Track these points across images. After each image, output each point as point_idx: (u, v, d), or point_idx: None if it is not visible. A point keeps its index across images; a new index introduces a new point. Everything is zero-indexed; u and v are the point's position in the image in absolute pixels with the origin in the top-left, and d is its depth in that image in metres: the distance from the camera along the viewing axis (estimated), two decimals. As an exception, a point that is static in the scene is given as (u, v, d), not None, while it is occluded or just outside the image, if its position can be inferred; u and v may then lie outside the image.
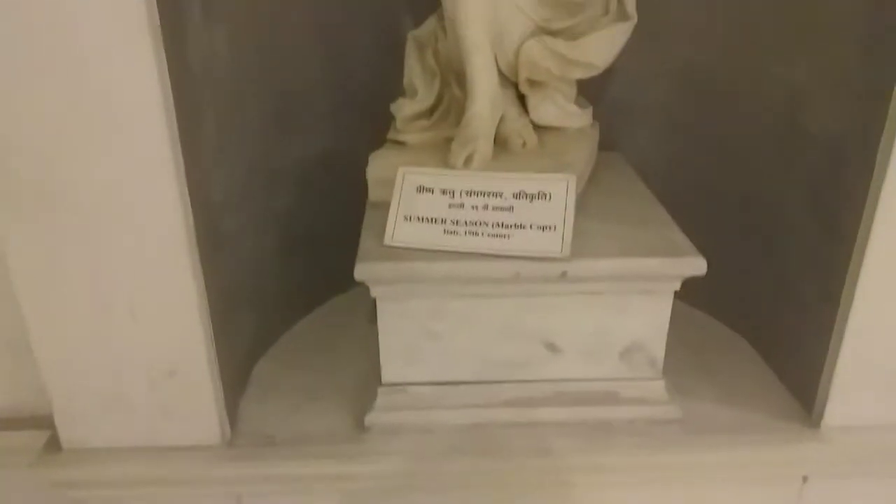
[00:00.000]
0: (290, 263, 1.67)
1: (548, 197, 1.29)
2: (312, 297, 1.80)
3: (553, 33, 1.46)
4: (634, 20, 1.46)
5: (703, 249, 1.28)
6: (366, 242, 1.29)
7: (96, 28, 1.02)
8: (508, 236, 1.27)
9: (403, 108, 1.50)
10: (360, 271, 1.24)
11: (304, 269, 1.71)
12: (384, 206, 1.33)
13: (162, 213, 1.15)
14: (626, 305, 1.32)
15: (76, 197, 1.13)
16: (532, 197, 1.29)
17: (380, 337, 1.34)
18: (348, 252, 1.26)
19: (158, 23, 1.04)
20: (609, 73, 1.54)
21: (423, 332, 1.34)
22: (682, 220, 1.38)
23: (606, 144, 1.68)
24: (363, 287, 1.27)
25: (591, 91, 1.63)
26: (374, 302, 1.31)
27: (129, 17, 1.01)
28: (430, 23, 1.52)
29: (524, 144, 1.47)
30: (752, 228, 1.60)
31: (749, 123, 1.57)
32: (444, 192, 1.32)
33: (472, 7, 1.32)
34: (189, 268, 1.19)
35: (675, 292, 1.32)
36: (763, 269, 1.58)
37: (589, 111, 1.60)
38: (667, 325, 1.35)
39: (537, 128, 1.53)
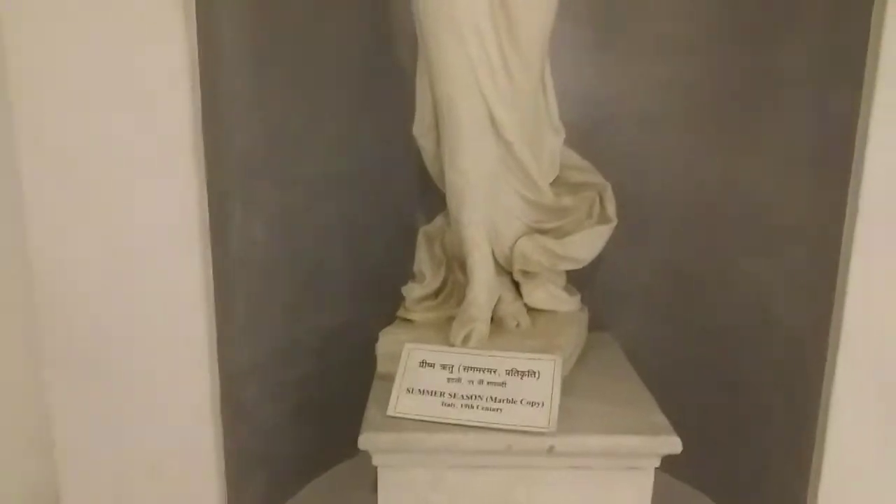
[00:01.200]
0: (303, 429, 1.80)
1: (537, 375, 1.43)
2: (322, 461, 1.90)
3: (543, 232, 1.69)
4: (614, 223, 1.68)
5: (686, 426, 1.39)
6: (370, 412, 1.43)
7: (156, 228, 1.25)
8: (500, 410, 1.40)
9: (413, 291, 1.70)
10: (364, 441, 1.37)
11: (315, 435, 1.83)
12: (390, 378, 1.48)
13: (191, 384, 1.31)
14: (610, 480, 1.42)
15: (118, 365, 1.30)
16: (523, 374, 1.44)
17: (380, 506, 1.43)
18: (357, 420, 1.39)
19: (208, 226, 1.28)
20: (600, 263, 1.74)
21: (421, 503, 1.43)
22: (667, 398, 1.50)
23: (598, 325, 1.85)
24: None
25: (581, 278, 1.83)
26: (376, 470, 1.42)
27: (184, 221, 1.25)
28: (439, 220, 1.76)
29: (518, 325, 1.64)
30: (731, 408, 1.71)
31: (725, 312, 1.74)
32: (443, 366, 1.47)
33: (472, 212, 1.55)
34: (212, 435, 1.33)
35: (665, 466, 1.41)
36: (742, 447, 1.67)
37: (577, 297, 1.78)
38: (649, 500, 1.42)
39: (530, 310, 1.70)
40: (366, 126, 1.86)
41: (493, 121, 1.50)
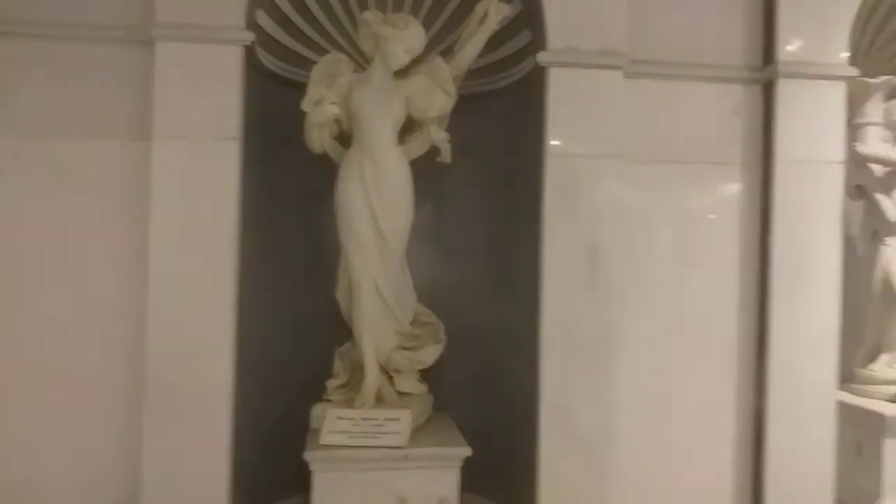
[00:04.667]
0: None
1: (398, 418, 2.80)
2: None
3: (406, 348, 3.12)
4: (444, 343, 3.14)
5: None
6: (309, 443, 2.72)
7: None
8: (380, 436, 2.75)
9: (332, 383, 3.06)
10: (307, 455, 2.66)
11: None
12: (319, 432, 2.78)
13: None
14: (435, 473, 2.74)
15: None
16: (391, 420, 2.81)
17: None
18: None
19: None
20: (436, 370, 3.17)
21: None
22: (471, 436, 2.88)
23: (442, 408, 3.24)
24: None
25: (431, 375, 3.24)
26: None
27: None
28: (348, 344, 3.15)
29: (390, 399, 3.01)
30: (508, 442, 3.13)
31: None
32: (350, 418, 2.82)
33: (366, 339, 2.96)
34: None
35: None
36: (509, 467, 3.08)
37: (425, 387, 3.18)
38: (456, 484, 2.76)
39: (399, 393, 3.09)
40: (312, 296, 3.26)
41: (377, 289, 2.96)
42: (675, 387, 3.06)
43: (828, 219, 2.99)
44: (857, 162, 3.38)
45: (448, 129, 2.98)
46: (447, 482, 2.78)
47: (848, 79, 3.01)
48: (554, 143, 2.81)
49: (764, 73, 3.01)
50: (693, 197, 3.07)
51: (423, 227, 3.37)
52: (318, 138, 2.81)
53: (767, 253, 2.98)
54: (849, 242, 3.52)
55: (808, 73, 2.97)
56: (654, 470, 3.05)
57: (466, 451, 2.77)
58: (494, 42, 3.00)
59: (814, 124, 2.97)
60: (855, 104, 3.41)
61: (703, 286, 3.07)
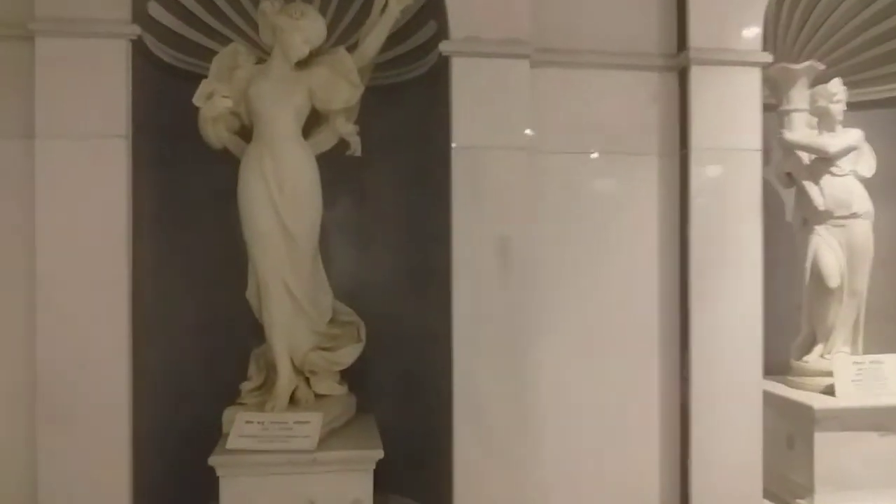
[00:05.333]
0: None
1: (308, 422, 2.73)
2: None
3: (324, 349, 3.05)
4: (363, 343, 3.07)
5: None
6: (217, 449, 2.64)
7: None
8: (289, 440, 2.67)
9: (246, 386, 2.98)
10: (213, 460, 2.58)
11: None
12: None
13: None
14: (347, 476, 2.67)
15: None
16: (301, 422, 2.73)
17: None
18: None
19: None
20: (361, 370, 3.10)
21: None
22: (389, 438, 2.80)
23: (367, 409, 3.17)
24: None
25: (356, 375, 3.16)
26: None
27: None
28: (263, 345, 3.08)
29: (306, 401, 2.94)
30: (430, 442, 3.06)
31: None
32: (259, 422, 2.74)
33: (278, 340, 2.88)
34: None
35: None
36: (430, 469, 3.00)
37: (345, 387, 3.11)
38: (370, 485, 2.68)
39: (317, 395, 3.01)
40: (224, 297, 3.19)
41: (287, 288, 2.88)
42: (596, 382, 3.00)
43: (747, 207, 2.93)
44: (785, 149, 3.33)
45: (363, 123, 2.92)
46: (361, 485, 2.70)
47: (763, 65, 2.96)
48: (459, 134, 2.75)
49: (678, 60, 2.96)
50: (610, 188, 3.01)
51: (343, 222, 3.32)
52: (214, 133, 2.72)
53: (686, 243, 2.92)
54: (789, 231, 3.49)
55: (722, 59, 2.91)
56: (576, 469, 2.99)
57: (378, 454, 2.69)
58: (404, 33, 2.95)
59: (729, 111, 2.92)
60: (781, 91, 3.36)
61: (623, 279, 3.01)
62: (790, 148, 3.29)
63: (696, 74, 2.90)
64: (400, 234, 3.27)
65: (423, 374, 3.19)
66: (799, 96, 3.32)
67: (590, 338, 3.00)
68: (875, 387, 3.11)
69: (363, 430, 2.97)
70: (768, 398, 3.30)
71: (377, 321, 3.14)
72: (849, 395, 3.06)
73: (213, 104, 2.60)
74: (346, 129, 2.88)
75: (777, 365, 3.36)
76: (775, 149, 3.37)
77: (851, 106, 3.58)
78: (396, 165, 3.16)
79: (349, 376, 3.15)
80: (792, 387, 3.30)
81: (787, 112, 3.33)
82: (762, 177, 3.02)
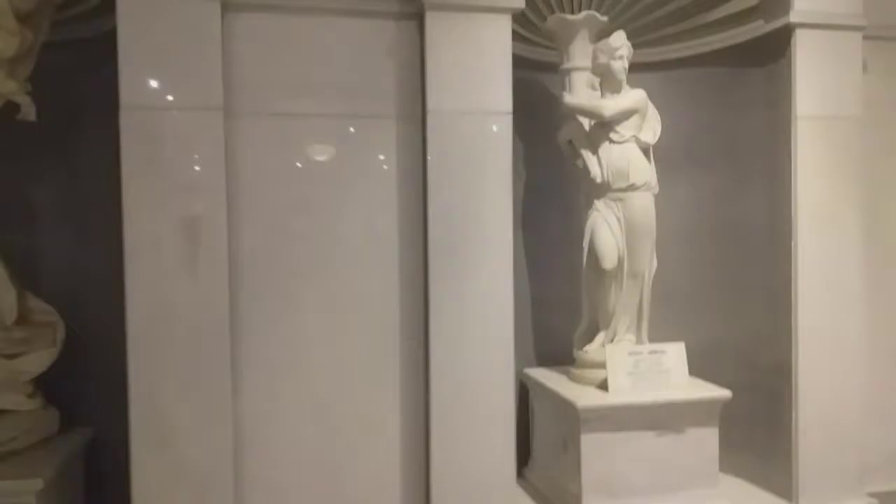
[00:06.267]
0: None
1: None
2: None
3: (6, 356, 2.53)
4: (59, 348, 2.57)
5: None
6: None
7: None
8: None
9: None
10: None
11: None
12: None
13: None
14: None
15: None
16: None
17: None
18: None
19: None
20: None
21: None
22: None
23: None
24: None
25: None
26: None
27: None
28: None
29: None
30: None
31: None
32: None
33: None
34: None
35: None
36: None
37: (38, 400, 2.60)
38: None
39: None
40: None
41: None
42: (328, 391, 2.54)
43: (493, 180, 2.51)
44: (566, 114, 2.92)
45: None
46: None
47: (513, 11, 2.52)
48: (128, 91, 2.23)
49: (415, 4, 2.49)
50: (339, 158, 2.53)
51: (51, 203, 2.81)
52: None
53: (426, 224, 2.49)
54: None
55: (463, 3, 2.46)
56: (308, 493, 2.54)
57: (37, 485, 2.22)
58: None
59: (474, 67, 2.48)
60: (561, 48, 2.95)
61: (357, 267, 2.55)
62: (569, 112, 2.88)
63: (433, 21, 2.43)
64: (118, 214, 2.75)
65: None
66: (580, 53, 2.90)
67: (318, 336, 2.53)
68: (655, 380, 2.77)
69: (50, 453, 2.49)
70: (545, 394, 2.97)
71: (102, 318, 2.62)
72: (622, 390, 2.71)
73: None
74: (7, 87, 2.36)
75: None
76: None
77: (653, 66, 3.24)
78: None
79: (54, 386, 2.66)
80: (573, 380, 2.93)
81: (568, 71, 2.92)
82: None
